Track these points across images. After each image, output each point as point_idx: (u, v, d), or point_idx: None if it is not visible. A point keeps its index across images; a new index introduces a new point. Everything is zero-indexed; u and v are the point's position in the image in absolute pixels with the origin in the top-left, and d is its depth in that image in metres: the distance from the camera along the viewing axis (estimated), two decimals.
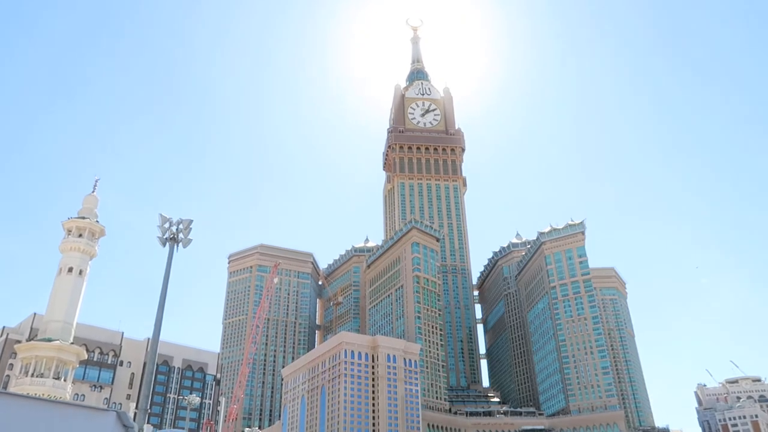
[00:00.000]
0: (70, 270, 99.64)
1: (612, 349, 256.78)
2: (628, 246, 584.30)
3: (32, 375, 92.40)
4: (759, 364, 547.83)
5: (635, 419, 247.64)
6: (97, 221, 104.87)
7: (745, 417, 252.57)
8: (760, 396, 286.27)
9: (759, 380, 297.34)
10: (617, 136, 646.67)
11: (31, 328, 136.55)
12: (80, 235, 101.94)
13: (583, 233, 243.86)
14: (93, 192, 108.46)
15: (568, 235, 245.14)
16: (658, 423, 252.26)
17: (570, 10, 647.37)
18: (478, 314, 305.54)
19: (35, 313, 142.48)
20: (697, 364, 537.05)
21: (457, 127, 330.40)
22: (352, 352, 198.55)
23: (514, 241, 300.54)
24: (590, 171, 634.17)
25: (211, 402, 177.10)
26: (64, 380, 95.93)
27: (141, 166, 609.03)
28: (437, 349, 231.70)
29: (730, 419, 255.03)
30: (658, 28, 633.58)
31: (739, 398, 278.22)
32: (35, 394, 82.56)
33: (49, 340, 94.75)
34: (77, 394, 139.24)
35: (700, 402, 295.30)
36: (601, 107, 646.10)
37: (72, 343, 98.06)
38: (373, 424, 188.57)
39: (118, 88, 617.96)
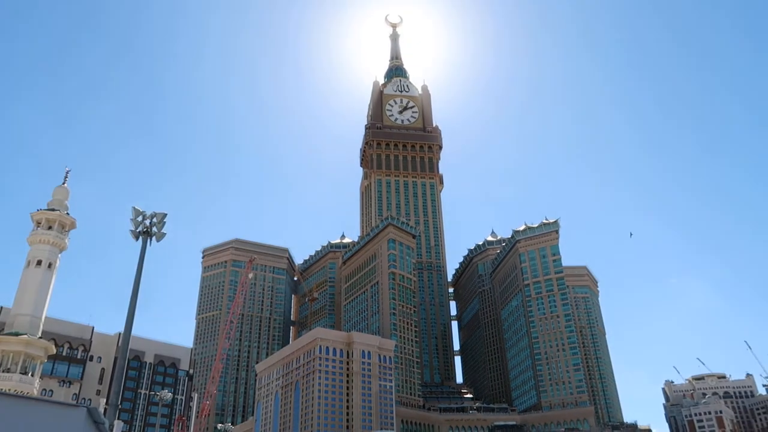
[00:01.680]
0: (39, 263, 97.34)
1: (583, 347, 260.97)
2: (600, 245, 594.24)
3: None
4: (724, 361, 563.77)
5: (605, 415, 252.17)
6: (67, 213, 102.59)
7: (710, 413, 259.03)
8: (725, 392, 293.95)
9: (724, 377, 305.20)
10: (592, 136, 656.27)
11: None
12: (50, 228, 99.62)
13: (557, 232, 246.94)
14: (64, 183, 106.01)
15: (543, 233, 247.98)
16: (627, 419, 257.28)
17: (548, 10, 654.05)
18: (453, 311, 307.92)
19: (2, 307, 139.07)
20: (664, 362, 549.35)
21: (434, 125, 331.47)
22: (327, 348, 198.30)
23: (490, 239, 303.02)
24: (565, 171, 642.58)
25: (183, 398, 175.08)
26: (32, 375, 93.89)
27: (114, 158, 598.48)
28: (412, 346, 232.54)
29: (696, 415, 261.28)
30: (634, 29, 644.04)
31: (704, 395, 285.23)
32: (1, 389, 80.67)
33: (17, 334, 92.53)
34: (45, 390, 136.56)
35: (667, 398, 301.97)
36: (576, 107, 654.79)
37: (40, 338, 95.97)
38: (347, 420, 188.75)
39: (92, 80, 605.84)
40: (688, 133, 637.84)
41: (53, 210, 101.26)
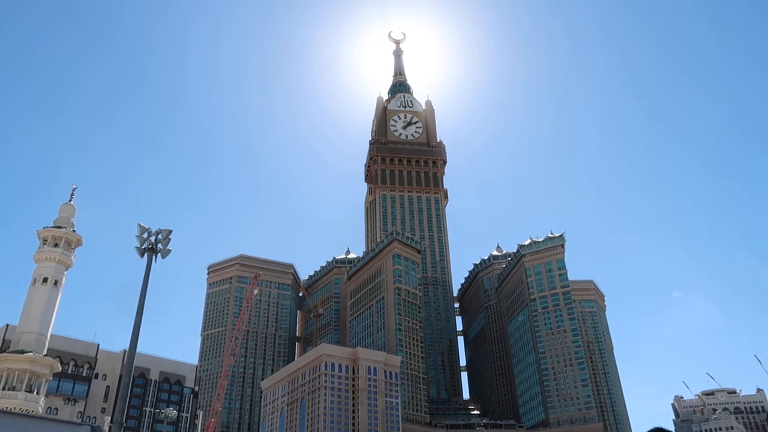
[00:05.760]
0: (45, 280, 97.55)
1: (591, 362, 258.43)
2: (606, 259, 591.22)
3: (4, 388, 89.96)
4: (734, 376, 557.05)
5: (614, 431, 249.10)
6: (74, 230, 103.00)
7: (721, 429, 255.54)
8: (735, 408, 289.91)
9: (734, 392, 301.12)
10: (596, 149, 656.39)
11: (3, 340, 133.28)
12: (56, 245, 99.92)
13: (562, 246, 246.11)
14: (70, 201, 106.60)
15: (548, 247, 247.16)
16: None
17: (552, 26, 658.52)
18: (459, 326, 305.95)
19: (8, 324, 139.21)
20: (673, 377, 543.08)
21: (438, 140, 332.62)
22: (333, 364, 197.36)
23: (495, 253, 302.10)
24: (570, 184, 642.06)
25: (188, 415, 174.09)
26: (37, 393, 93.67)
27: (119, 175, 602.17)
28: (418, 362, 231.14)
29: (706, 431, 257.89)
30: (637, 41, 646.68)
31: (715, 410, 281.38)
32: (6, 408, 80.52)
33: (22, 352, 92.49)
34: (50, 408, 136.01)
35: (677, 414, 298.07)
36: (580, 121, 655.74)
37: (46, 355, 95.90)
38: None
39: (95, 96, 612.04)
40: (695, 144, 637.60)
41: (59, 227, 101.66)
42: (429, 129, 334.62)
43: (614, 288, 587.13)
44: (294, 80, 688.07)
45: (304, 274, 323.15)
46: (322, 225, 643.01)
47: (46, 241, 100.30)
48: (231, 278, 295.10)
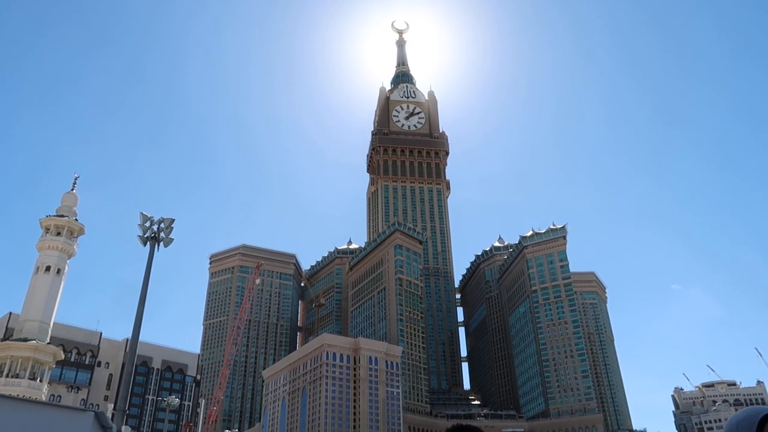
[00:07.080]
0: (48, 269, 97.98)
1: (591, 353, 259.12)
2: (607, 251, 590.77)
3: (7, 375, 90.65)
4: (734, 368, 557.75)
5: (614, 422, 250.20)
6: (76, 219, 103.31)
7: (720, 421, 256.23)
8: (735, 400, 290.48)
9: (734, 384, 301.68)
10: (598, 141, 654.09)
11: (7, 328, 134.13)
12: (58, 234, 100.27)
13: (564, 238, 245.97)
14: (72, 190, 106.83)
15: (550, 239, 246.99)
16: (636, 426, 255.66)
17: (555, 19, 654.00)
18: (460, 317, 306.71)
19: (11, 312, 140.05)
20: (673, 368, 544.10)
21: (441, 131, 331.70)
22: (334, 354, 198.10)
23: (497, 244, 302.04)
24: (571, 177, 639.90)
25: (190, 404, 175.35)
26: (40, 381, 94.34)
27: (122, 165, 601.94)
28: (419, 352, 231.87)
29: (706, 423, 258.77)
30: (640, 35, 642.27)
31: (714, 402, 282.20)
32: (10, 395, 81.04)
33: (25, 340, 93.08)
34: (53, 395, 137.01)
35: (677, 405, 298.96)
36: (582, 113, 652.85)
37: (49, 343, 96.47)
38: (354, 427, 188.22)
39: (98, 85, 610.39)
40: (697, 137, 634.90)
41: (62, 216, 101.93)
42: (431, 120, 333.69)
43: (615, 280, 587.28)
44: (296, 70, 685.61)
45: (305, 265, 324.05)
46: (324, 215, 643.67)
47: (48, 229, 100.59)
48: (233, 268, 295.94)
